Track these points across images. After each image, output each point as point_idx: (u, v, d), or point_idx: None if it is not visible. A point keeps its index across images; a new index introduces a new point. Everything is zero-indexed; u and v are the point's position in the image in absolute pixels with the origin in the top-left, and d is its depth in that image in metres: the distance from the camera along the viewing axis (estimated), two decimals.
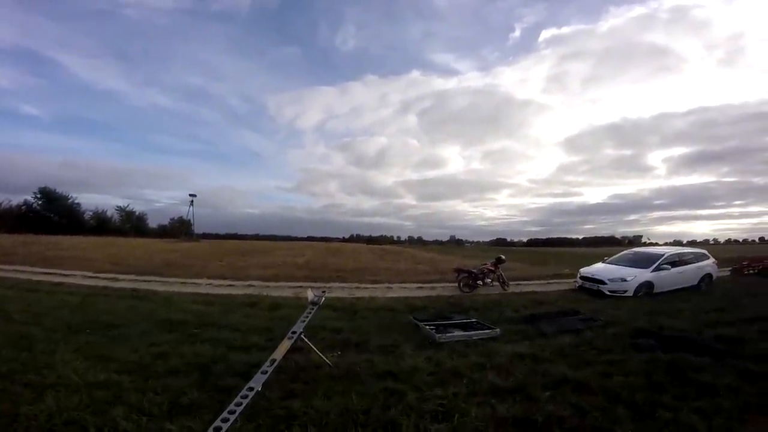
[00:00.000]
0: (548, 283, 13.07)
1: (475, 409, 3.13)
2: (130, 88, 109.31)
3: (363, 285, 11.80)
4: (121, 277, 11.64)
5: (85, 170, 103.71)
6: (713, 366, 4.10)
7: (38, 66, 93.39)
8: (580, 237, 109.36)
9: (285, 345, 3.75)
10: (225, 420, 2.59)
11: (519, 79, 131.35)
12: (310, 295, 4.88)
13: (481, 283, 10.98)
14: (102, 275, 11.81)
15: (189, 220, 56.65)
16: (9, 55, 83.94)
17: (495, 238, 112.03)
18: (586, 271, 11.30)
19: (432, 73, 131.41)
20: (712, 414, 3.05)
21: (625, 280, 9.97)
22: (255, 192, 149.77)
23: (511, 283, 11.58)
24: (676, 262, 10.76)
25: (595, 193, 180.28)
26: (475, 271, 11.21)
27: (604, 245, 75.62)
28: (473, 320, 6.38)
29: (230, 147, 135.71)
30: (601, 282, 10.16)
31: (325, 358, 4.17)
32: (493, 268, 11.29)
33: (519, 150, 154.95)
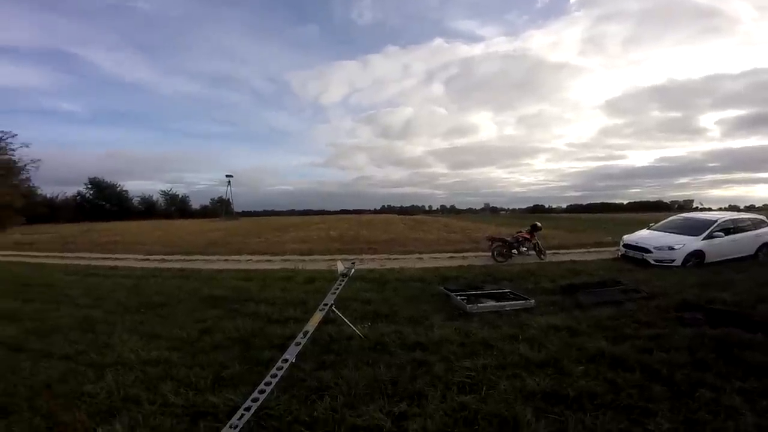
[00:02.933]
0: (588, 251, 12.54)
1: (504, 382, 3.09)
2: (157, 78, 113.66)
3: (394, 256, 11.93)
4: (168, 258, 12.51)
5: (128, 159, 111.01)
6: (765, 344, 3.76)
7: (67, 63, 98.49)
8: (625, 202, 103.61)
9: (317, 317, 3.83)
10: (262, 391, 2.73)
11: (551, 42, 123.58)
12: (340, 267, 4.93)
13: (516, 252, 10.74)
14: (152, 257, 12.74)
15: (228, 200, 59.36)
16: (39, 55, 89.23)
17: (532, 205, 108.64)
18: (629, 238, 10.66)
19: (456, 40, 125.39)
20: (758, 396, 2.82)
21: (673, 249, 9.31)
22: (287, 169, 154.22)
23: (548, 251, 11.24)
24: (730, 229, 9.81)
25: (640, 156, 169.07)
26: (509, 239, 10.94)
27: (652, 210, 71.09)
28: (506, 290, 6.26)
29: (260, 127, 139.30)
30: (646, 250, 9.56)
31: (356, 330, 4.27)
32: (528, 236, 10.95)
33: (555, 114, 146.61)
